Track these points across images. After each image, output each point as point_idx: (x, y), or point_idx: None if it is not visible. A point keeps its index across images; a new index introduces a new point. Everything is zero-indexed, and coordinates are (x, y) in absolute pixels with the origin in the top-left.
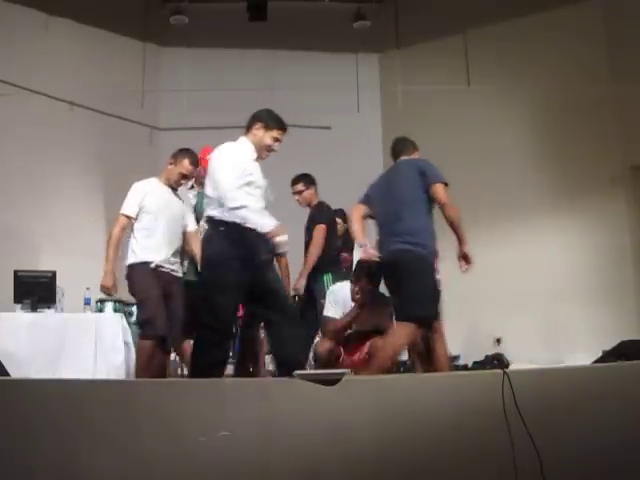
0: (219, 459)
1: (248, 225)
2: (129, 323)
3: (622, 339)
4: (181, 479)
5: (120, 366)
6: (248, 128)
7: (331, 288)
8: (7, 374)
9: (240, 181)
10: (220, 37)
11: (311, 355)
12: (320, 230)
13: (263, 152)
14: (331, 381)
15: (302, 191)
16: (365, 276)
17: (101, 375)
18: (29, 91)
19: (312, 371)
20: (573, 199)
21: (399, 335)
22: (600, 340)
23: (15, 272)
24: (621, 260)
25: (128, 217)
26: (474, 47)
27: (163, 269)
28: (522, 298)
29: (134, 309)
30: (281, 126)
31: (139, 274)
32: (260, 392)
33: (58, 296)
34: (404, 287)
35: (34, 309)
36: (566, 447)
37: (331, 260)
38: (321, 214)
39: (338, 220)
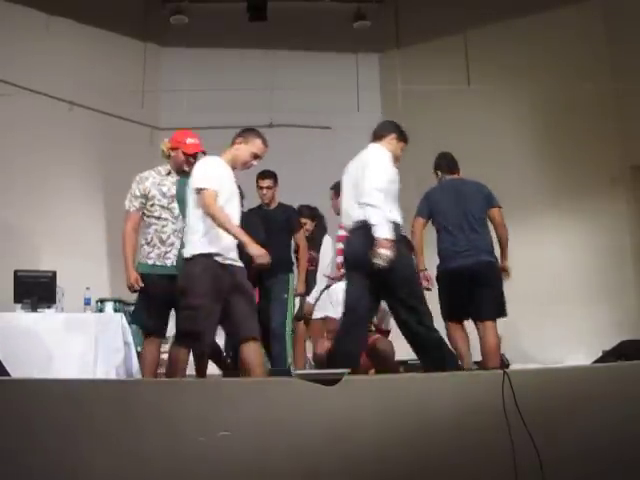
0: (219, 459)
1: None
2: (129, 323)
3: (622, 339)
4: (181, 479)
5: (120, 366)
6: (381, 137)
7: (332, 288)
8: (7, 374)
9: (386, 185)
10: (220, 37)
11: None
12: (303, 233)
13: (395, 162)
14: (331, 381)
15: (271, 187)
16: None
17: (101, 375)
18: (29, 91)
19: (312, 371)
20: (573, 199)
21: (496, 330)
22: (600, 340)
23: (15, 272)
24: (621, 260)
25: (216, 191)
26: (474, 47)
27: (228, 261)
28: (522, 298)
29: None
30: (407, 140)
31: (200, 272)
32: (260, 392)
33: (58, 296)
34: (495, 291)
35: (34, 309)
36: (566, 447)
37: (292, 259)
38: (297, 216)
39: (305, 219)
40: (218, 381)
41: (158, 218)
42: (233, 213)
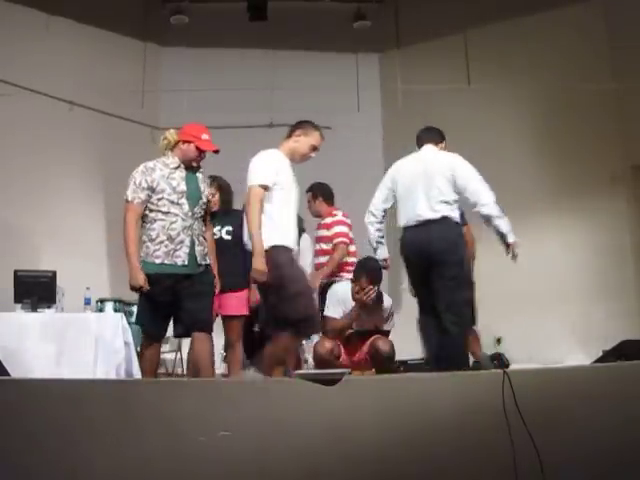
0: (219, 459)
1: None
2: (129, 323)
3: (622, 339)
4: (181, 479)
5: (120, 366)
6: (438, 142)
7: (332, 287)
8: (7, 374)
9: None
10: (220, 37)
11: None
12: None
13: None
14: (331, 381)
15: None
16: (365, 276)
17: (101, 375)
18: (30, 91)
19: (312, 371)
20: (573, 198)
21: None
22: (600, 340)
23: (15, 272)
24: (621, 260)
25: (265, 188)
26: (474, 46)
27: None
28: (522, 298)
29: (135, 309)
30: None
31: (286, 260)
32: (260, 392)
33: (58, 296)
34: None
35: (34, 309)
36: (566, 447)
37: None
38: None
39: None
40: (218, 381)
41: (166, 213)
42: (292, 207)
